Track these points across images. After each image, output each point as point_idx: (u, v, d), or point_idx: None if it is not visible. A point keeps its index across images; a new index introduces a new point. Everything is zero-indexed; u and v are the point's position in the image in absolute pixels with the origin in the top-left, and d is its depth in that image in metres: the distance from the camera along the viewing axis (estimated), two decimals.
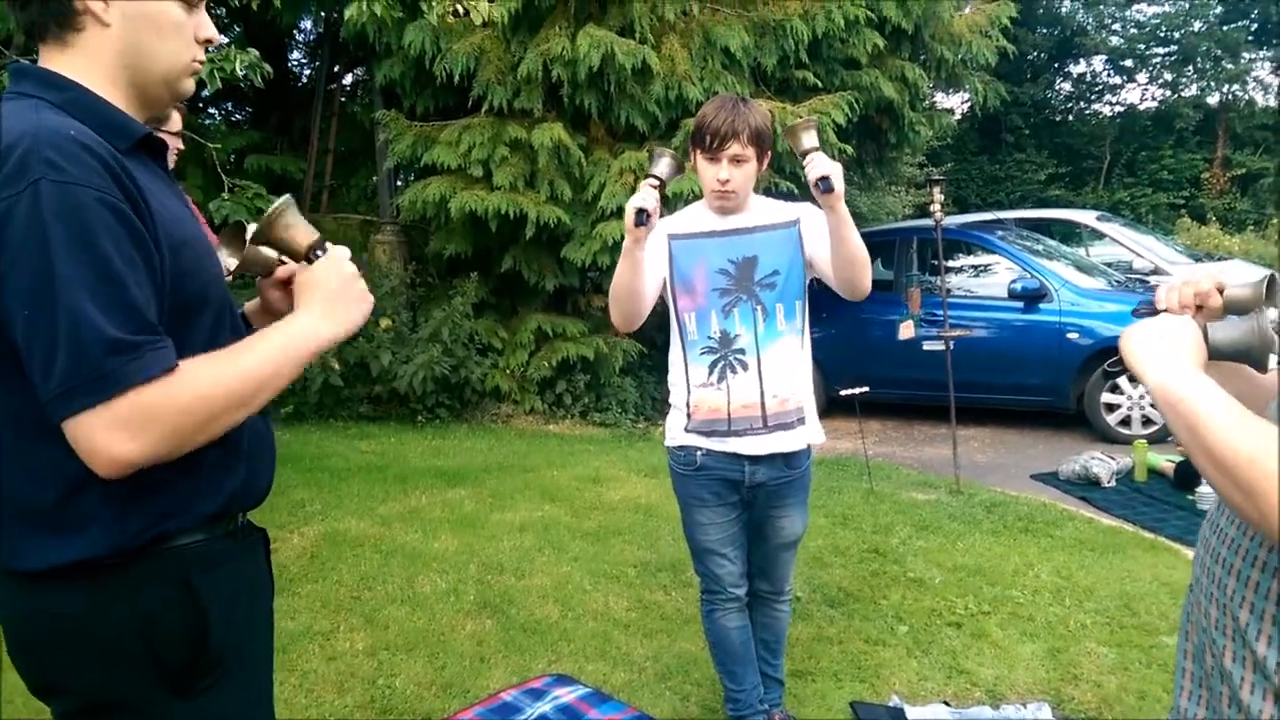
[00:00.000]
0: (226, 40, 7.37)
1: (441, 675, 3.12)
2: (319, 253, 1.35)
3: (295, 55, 10.82)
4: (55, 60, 1.21)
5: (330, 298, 1.30)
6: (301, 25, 9.64)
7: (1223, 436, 1.07)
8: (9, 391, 1.12)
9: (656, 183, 2.31)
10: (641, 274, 2.38)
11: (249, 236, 1.44)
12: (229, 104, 10.29)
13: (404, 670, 3.14)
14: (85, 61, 1.20)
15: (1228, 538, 1.25)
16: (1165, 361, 1.20)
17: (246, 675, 1.34)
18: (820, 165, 2.22)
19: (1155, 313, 1.42)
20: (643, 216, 2.23)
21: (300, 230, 1.37)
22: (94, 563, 1.17)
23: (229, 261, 1.45)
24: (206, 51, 1.33)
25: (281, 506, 4.69)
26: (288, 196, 1.39)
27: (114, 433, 1.06)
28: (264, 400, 1.21)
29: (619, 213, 6.92)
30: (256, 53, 4.58)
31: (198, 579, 1.24)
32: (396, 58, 7.37)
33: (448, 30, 6.80)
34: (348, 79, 10.00)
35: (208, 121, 9.47)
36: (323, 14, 8.51)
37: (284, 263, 1.49)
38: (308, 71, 10.74)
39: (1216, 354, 1.26)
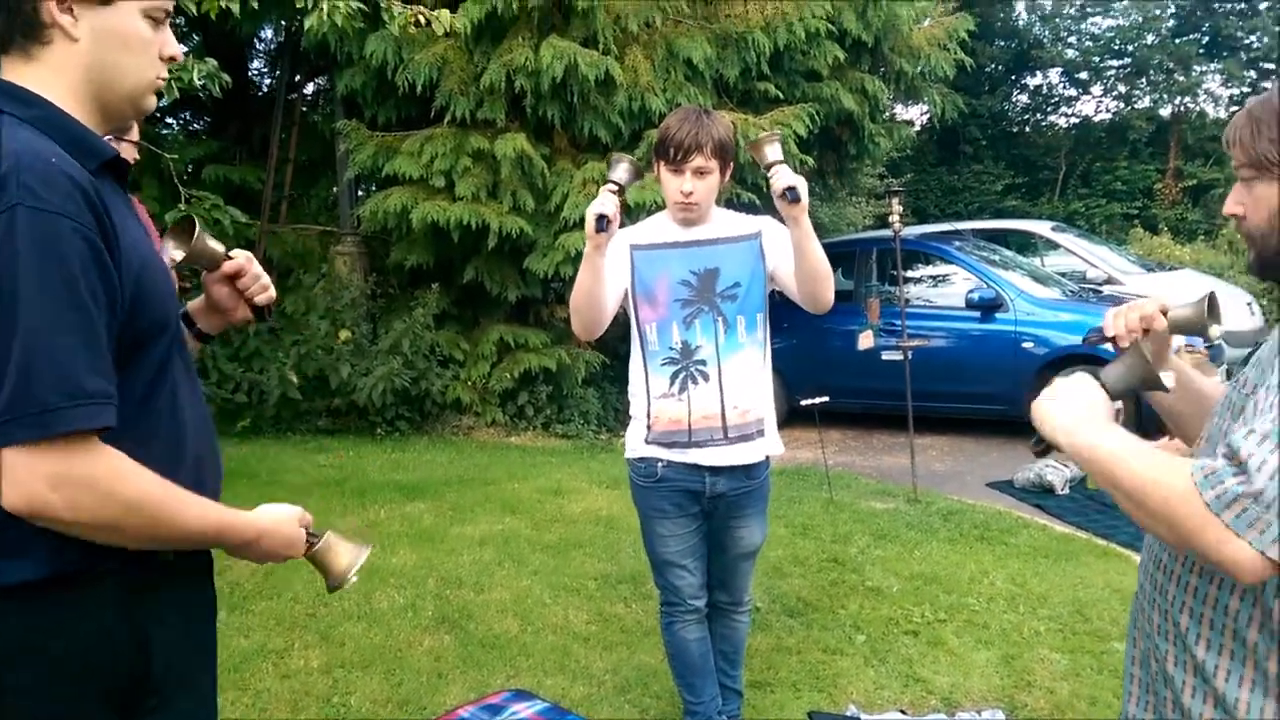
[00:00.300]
0: (185, 49, 7.28)
1: (398, 692, 3.09)
2: (314, 537, 1.45)
3: (256, 64, 10.69)
4: (18, 72, 1.20)
5: (272, 553, 1.39)
6: (262, 34, 9.53)
7: (1129, 470, 1.12)
8: None
9: (616, 188, 2.32)
10: (602, 281, 2.39)
11: (196, 232, 1.46)
12: (187, 113, 10.15)
13: (360, 688, 3.11)
14: (50, 75, 1.19)
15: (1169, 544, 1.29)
16: (1071, 425, 1.26)
17: (191, 697, 1.33)
18: (786, 176, 2.25)
19: (1104, 339, 1.47)
20: (603, 222, 2.25)
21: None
22: (35, 585, 1.15)
23: (175, 254, 1.46)
24: None
25: None
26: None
27: (39, 473, 1.06)
28: (168, 546, 1.25)
29: (582, 223, 6.86)
30: (214, 62, 4.54)
31: (139, 601, 1.23)
32: (358, 67, 7.33)
33: (410, 41, 6.78)
34: (309, 88, 9.90)
35: (165, 131, 9.34)
36: (283, 23, 8.43)
37: (230, 258, 1.50)
38: (268, 81, 10.62)
39: (1116, 395, 1.32)
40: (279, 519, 1.39)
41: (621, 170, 2.36)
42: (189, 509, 1.21)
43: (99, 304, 1.10)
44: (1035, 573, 4.18)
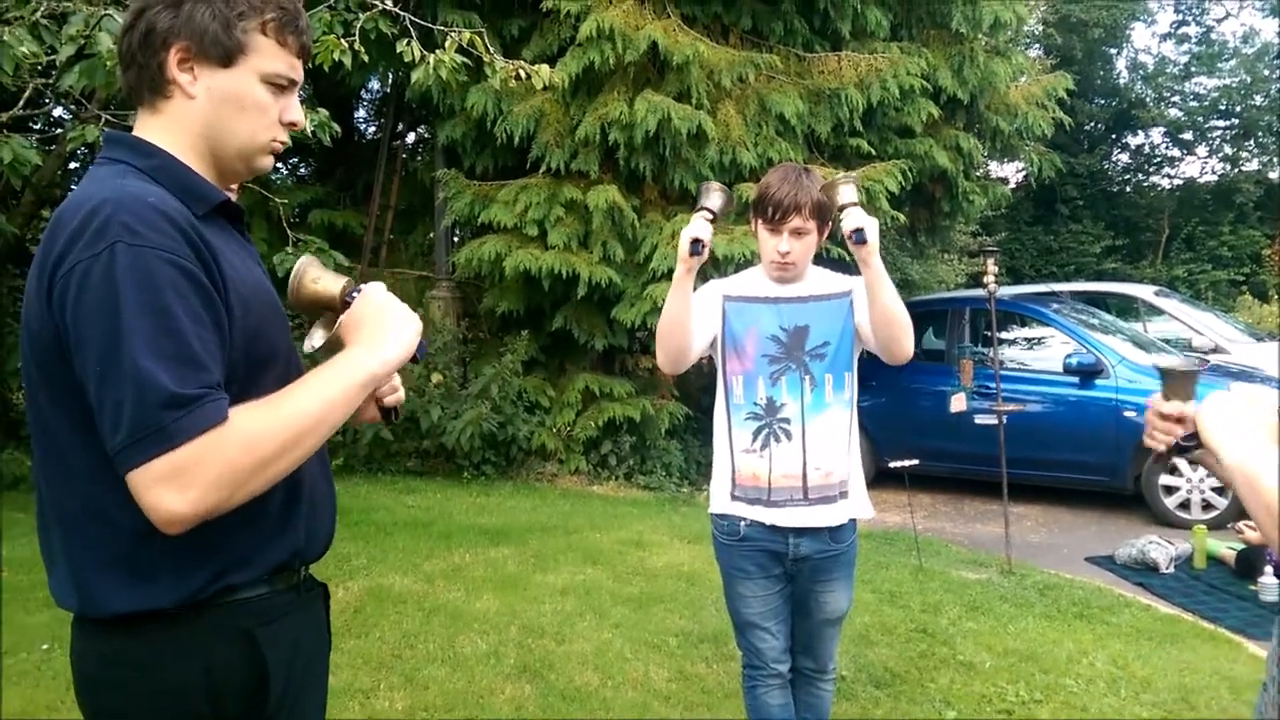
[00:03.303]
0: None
1: None
2: (354, 295, 1.35)
3: (360, 113, 11.15)
4: (146, 123, 1.29)
5: (368, 328, 1.29)
6: (368, 86, 9.94)
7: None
8: (86, 445, 1.16)
9: (709, 215, 2.35)
10: (689, 308, 2.39)
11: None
12: (295, 159, 10.61)
13: None
14: (171, 128, 1.27)
15: None
16: (1243, 441, 1.20)
17: None
18: (855, 217, 2.26)
19: (1177, 451, 1.40)
20: (698, 246, 2.28)
21: (328, 280, 1.38)
22: (161, 613, 1.19)
23: (316, 338, 1.41)
24: None
25: (327, 559, 4.67)
26: (305, 257, 1.41)
27: (162, 488, 1.09)
28: (315, 443, 1.20)
29: (670, 275, 6.95)
30: (326, 112, 4.73)
31: (260, 632, 1.27)
32: (459, 118, 7.58)
33: (509, 93, 6.98)
34: (410, 137, 10.26)
35: (274, 176, 9.75)
36: (390, 75, 8.77)
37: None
38: (372, 129, 11.05)
39: None
40: (383, 329, 1.30)
41: (715, 198, 2.39)
42: (305, 411, 1.18)
43: (200, 323, 1.14)
44: (1138, 655, 3.97)
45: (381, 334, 1.28)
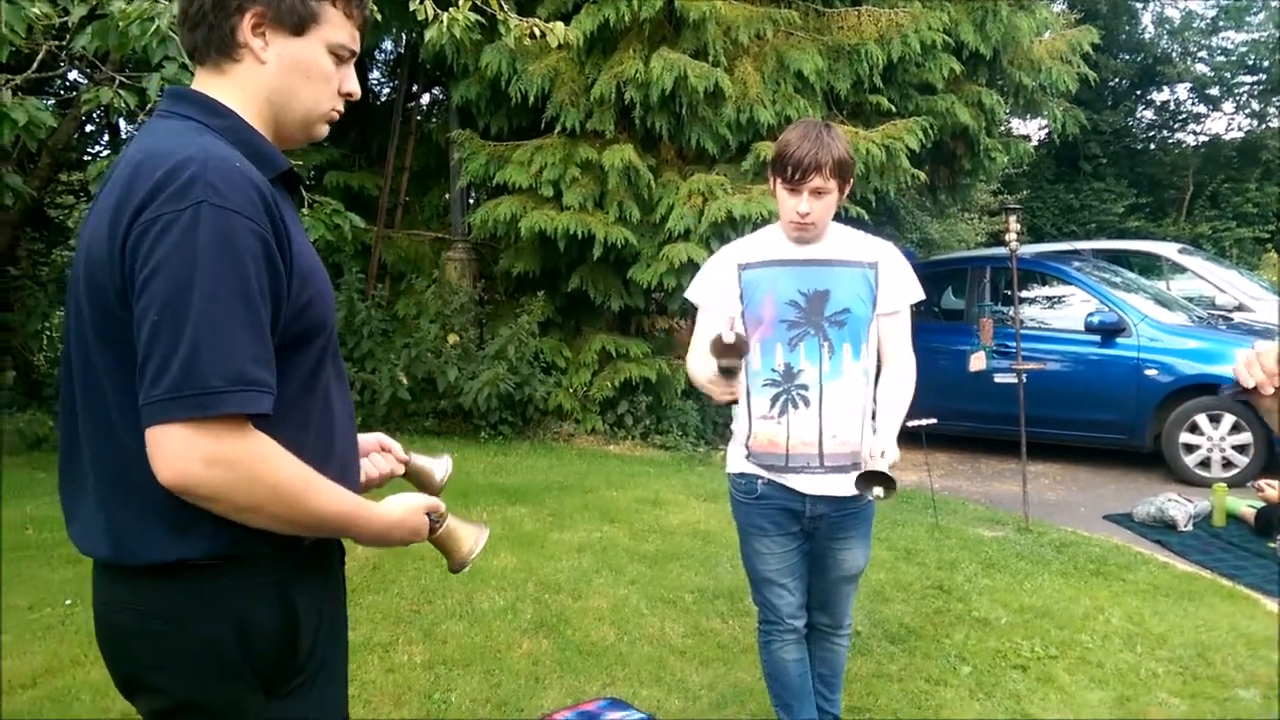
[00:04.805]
0: None
1: (497, 693, 3.13)
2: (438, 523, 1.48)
3: (374, 75, 11.06)
4: (210, 84, 1.30)
5: (399, 541, 1.42)
6: (382, 46, 9.86)
7: None
8: (136, 397, 1.16)
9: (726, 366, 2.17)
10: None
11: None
12: None
13: (460, 686, 3.16)
14: (237, 91, 1.29)
15: None
16: None
17: (327, 679, 1.38)
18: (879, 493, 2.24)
19: (1242, 392, 1.37)
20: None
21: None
22: (194, 563, 1.21)
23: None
24: None
25: None
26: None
27: (196, 451, 1.11)
28: (303, 533, 1.27)
29: (686, 235, 6.94)
30: None
31: (290, 584, 1.28)
32: (473, 79, 7.51)
33: (524, 52, 6.91)
34: (425, 98, 10.18)
35: None
36: (403, 35, 8.70)
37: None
38: (386, 90, 10.97)
39: None
40: (408, 511, 1.40)
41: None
42: (326, 498, 1.24)
43: (265, 300, 1.16)
44: (1154, 611, 3.97)
45: (400, 543, 1.43)
